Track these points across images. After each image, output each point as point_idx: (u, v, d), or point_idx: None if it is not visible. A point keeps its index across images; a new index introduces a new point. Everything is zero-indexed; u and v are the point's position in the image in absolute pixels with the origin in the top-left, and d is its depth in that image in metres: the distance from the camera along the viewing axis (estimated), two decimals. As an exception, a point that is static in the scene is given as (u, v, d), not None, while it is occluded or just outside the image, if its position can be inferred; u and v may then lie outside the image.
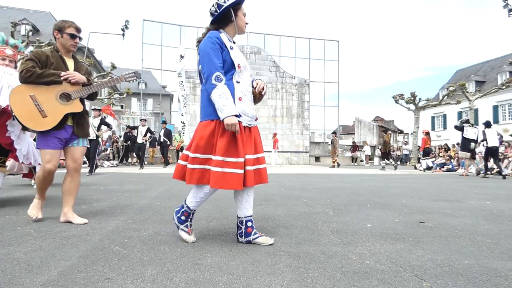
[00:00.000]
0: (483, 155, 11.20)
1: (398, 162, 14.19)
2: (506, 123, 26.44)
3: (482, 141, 10.37)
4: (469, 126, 10.75)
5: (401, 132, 39.71)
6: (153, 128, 18.72)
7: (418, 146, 15.00)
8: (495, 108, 27.60)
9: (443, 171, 13.19)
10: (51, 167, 2.59)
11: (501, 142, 10.49)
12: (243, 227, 2.15)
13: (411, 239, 2.30)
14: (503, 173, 9.72)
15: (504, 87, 18.13)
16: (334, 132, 16.43)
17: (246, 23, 2.21)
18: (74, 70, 2.72)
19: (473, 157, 10.92)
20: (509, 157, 12.12)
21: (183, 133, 15.74)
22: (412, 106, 19.65)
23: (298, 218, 2.99)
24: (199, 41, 2.15)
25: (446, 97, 19.90)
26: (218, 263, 1.74)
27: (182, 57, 15.54)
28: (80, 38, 2.79)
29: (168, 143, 13.31)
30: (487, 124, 10.36)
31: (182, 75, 15.42)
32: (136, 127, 13.35)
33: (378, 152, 22.13)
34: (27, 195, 4.24)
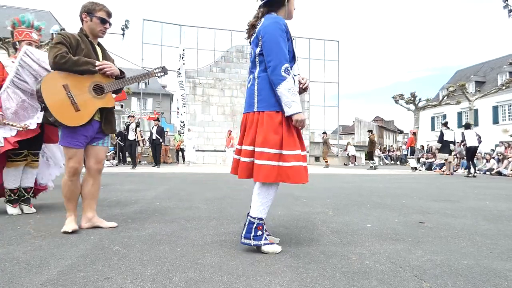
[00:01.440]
0: (463, 156, 12.32)
1: (381, 163, 14.59)
2: (506, 124, 26.45)
3: (462, 142, 11.20)
4: (447, 129, 11.60)
5: (401, 132, 39.72)
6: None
7: (410, 145, 15.37)
8: (495, 109, 27.60)
9: (443, 171, 13.20)
10: (76, 165, 2.33)
11: (479, 143, 11.14)
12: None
13: (410, 239, 2.30)
14: (475, 174, 10.48)
15: (504, 87, 18.15)
16: (324, 132, 16.42)
17: (294, 8, 2.08)
18: (102, 59, 2.47)
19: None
20: (508, 158, 12.14)
21: (183, 133, 15.72)
22: (412, 106, 19.66)
23: (297, 218, 2.99)
24: (252, 25, 2.02)
25: (446, 97, 19.92)
26: (217, 263, 1.74)
27: (182, 56, 15.53)
28: (110, 24, 2.49)
29: (161, 141, 12.81)
30: (467, 126, 11.07)
31: (182, 74, 15.40)
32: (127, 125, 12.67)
33: (377, 152, 22.16)
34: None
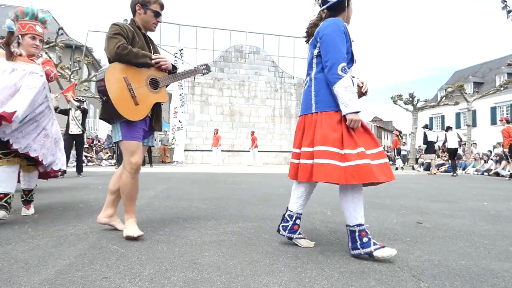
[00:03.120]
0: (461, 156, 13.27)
1: None
2: (504, 125, 26.51)
3: (444, 143, 11.82)
4: (429, 130, 12.20)
5: (399, 132, 39.79)
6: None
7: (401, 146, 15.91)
8: (493, 110, 27.70)
9: (441, 171, 13.25)
10: (138, 160, 2.23)
11: (459, 145, 11.93)
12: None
13: (409, 240, 2.31)
14: (454, 174, 11.22)
15: (502, 88, 18.19)
16: None
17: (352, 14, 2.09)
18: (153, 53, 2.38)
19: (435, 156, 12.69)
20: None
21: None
22: (410, 107, 19.68)
23: (296, 218, 2.99)
24: (314, 25, 2.01)
25: (444, 98, 19.95)
26: (216, 263, 1.74)
27: (181, 56, 15.52)
28: (161, 17, 2.39)
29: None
30: (448, 128, 11.89)
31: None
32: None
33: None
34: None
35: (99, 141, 17.59)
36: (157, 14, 2.33)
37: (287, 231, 2.07)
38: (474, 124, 23.15)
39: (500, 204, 4.17)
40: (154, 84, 2.28)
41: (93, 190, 4.85)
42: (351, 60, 1.95)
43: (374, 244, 1.83)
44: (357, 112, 1.80)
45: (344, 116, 1.83)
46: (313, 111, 1.94)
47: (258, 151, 16.01)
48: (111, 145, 14.87)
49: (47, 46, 14.41)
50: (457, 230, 2.65)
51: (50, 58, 12.29)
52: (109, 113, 2.16)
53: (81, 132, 7.47)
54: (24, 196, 2.91)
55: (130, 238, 2.13)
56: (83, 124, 7.60)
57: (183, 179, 7.14)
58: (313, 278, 1.56)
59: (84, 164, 12.71)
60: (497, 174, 11.77)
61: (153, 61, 2.25)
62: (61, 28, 15.55)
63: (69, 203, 3.57)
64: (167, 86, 2.40)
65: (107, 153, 15.46)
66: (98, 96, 2.14)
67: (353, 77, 1.98)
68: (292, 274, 1.61)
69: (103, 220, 2.37)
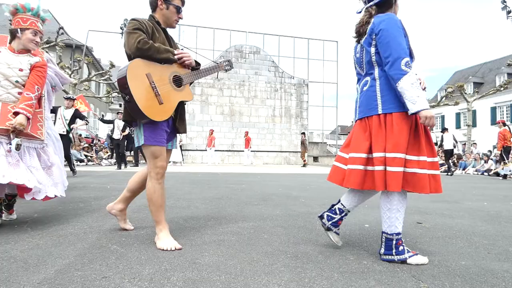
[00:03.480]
0: (461, 156, 13.76)
1: None
2: (504, 125, 26.52)
3: (441, 143, 12.06)
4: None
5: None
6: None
7: None
8: (493, 110, 27.70)
9: (441, 171, 13.30)
10: (165, 164, 2.13)
11: (454, 146, 12.09)
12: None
13: (408, 240, 2.31)
14: (450, 173, 11.59)
15: (502, 88, 18.19)
16: (303, 133, 16.52)
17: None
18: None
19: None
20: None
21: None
22: (410, 107, 19.67)
23: (296, 218, 2.99)
24: (365, 23, 1.89)
25: (444, 98, 19.95)
26: (215, 263, 1.74)
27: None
28: (182, 13, 2.31)
29: None
30: (444, 129, 12.19)
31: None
32: (112, 121, 11.13)
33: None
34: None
35: (99, 141, 17.60)
36: (179, 10, 2.23)
37: (330, 222, 2.01)
38: (474, 124, 23.17)
39: (500, 204, 4.17)
40: (177, 81, 2.14)
41: (93, 189, 4.85)
42: (410, 56, 1.81)
43: (408, 251, 1.81)
44: (428, 108, 1.69)
45: (412, 114, 1.73)
46: (379, 112, 1.81)
47: (252, 151, 15.98)
48: (111, 145, 14.78)
49: (47, 45, 14.42)
50: (456, 230, 2.65)
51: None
52: (132, 114, 2.01)
53: (65, 133, 7.02)
54: (6, 201, 2.68)
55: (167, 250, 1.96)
56: (69, 124, 7.33)
57: (183, 179, 7.14)
58: (312, 278, 1.56)
59: (84, 164, 12.75)
60: (497, 174, 11.78)
61: (175, 57, 2.12)
62: (61, 28, 15.57)
63: (69, 202, 3.57)
64: (190, 84, 2.27)
65: (107, 152, 15.47)
66: (120, 95, 2.01)
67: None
68: (292, 274, 1.61)
69: (112, 211, 2.36)
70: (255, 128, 18.37)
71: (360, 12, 1.99)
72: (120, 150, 10.61)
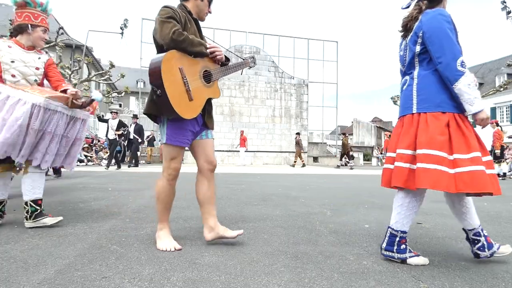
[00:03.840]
0: None
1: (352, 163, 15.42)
2: (504, 125, 26.49)
3: None
4: None
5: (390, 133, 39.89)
6: (151, 127, 18.64)
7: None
8: (493, 110, 27.70)
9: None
10: (178, 166, 2.04)
11: None
12: (482, 238, 1.84)
13: (408, 240, 2.30)
14: None
15: (502, 89, 18.22)
16: (298, 133, 16.52)
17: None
18: None
19: None
20: (507, 159, 12.21)
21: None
22: (410, 107, 19.70)
23: (296, 218, 2.99)
24: (414, 18, 1.81)
25: (444, 98, 19.96)
26: (215, 263, 1.74)
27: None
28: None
29: (140, 140, 11.89)
30: None
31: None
32: (106, 120, 10.79)
33: (375, 153, 22.21)
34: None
35: (99, 141, 17.59)
36: (211, 3, 2.15)
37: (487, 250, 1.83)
38: (474, 125, 23.16)
39: (499, 205, 4.17)
40: (207, 77, 2.03)
41: (93, 190, 4.85)
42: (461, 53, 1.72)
43: (410, 251, 1.81)
44: (484, 110, 1.66)
45: (466, 116, 1.70)
46: (413, 111, 1.77)
47: (251, 151, 15.83)
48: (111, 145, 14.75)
49: (47, 45, 14.41)
50: (456, 230, 2.65)
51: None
52: (160, 109, 1.90)
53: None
54: (37, 208, 2.48)
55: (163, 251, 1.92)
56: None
57: (183, 179, 7.13)
58: (312, 279, 1.56)
59: (84, 164, 12.75)
60: (497, 174, 11.81)
61: (208, 51, 2.01)
62: (62, 28, 15.55)
63: (68, 202, 3.57)
64: (217, 80, 2.16)
65: (106, 152, 15.45)
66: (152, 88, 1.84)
67: None
68: (291, 274, 1.61)
69: (209, 236, 2.06)
70: (255, 128, 18.34)
71: (406, 7, 1.92)
72: (112, 149, 10.36)
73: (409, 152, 1.74)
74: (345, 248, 2.08)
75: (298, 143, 15.92)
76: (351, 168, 14.44)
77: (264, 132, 18.66)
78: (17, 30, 2.51)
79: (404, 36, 1.90)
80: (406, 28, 1.86)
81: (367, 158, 23.25)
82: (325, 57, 20.67)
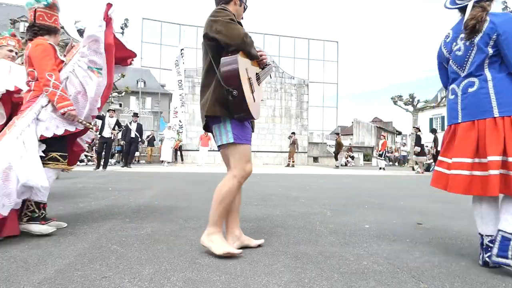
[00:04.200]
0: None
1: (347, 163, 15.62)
2: None
3: (436, 144, 12.15)
4: (421, 133, 12.76)
5: (399, 133, 39.84)
6: (152, 127, 18.66)
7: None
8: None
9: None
10: (251, 168, 1.98)
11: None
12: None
13: (408, 240, 2.31)
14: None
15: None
16: (293, 133, 16.52)
17: None
18: None
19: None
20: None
21: (181, 132, 15.71)
22: (410, 108, 19.71)
23: (296, 219, 2.99)
24: (482, 20, 1.75)
25: (444, 98, 19.96)
26: (215, 263, 1.74)
27: (182, 56, 15.52)
28: None
29: (140, 139, 11.84)
30: (434, 131, 12.48)
31: (181, 73, 15.39)
32: (102, 117, 10.09)
33: (375, 153, 22.20)
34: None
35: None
36: (245, 10, 2.16)
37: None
38: None
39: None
40: (258, 79, 2.07)
41: (93, 189, 4.85)
42: None
43: None
44: None
45: None
46: (495, 116, 1.71)
47: (209, 150, 14.98)
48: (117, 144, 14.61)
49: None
50: (456, 231, 2.65)
51: None
52: (233, 109, 1.84)
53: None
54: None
55: (221, 256, 1.83)
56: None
57: (183, 179, 7.14)
58: (312, 279, 1.56)
59: (84, 164, 12.75)
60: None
61: (258, 53, 2.03)
62: (62, 27, 15.57)
63: (68, 202, 3.57)
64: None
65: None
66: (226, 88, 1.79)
67: None
68: (291, 274, 1.61)
69: (235, 244, 1.99)
70: (255, 128, 18.37)
71: (450, 8, 1.91)
72: (106, 149, 9.94)
73: (499, 158, 1.69)
74: (345, 248, 2.08)
75: (294, 143, 15.89)
76: (337, 167, 14.87)
77: (264, 132, 18.66)
78: (50, 32, 2.57)
79: (469, 38, 1.81)
80: (474, 30, 1.78)
81: (367, 158, 23.26)
82: (326, 57, 20.69)
